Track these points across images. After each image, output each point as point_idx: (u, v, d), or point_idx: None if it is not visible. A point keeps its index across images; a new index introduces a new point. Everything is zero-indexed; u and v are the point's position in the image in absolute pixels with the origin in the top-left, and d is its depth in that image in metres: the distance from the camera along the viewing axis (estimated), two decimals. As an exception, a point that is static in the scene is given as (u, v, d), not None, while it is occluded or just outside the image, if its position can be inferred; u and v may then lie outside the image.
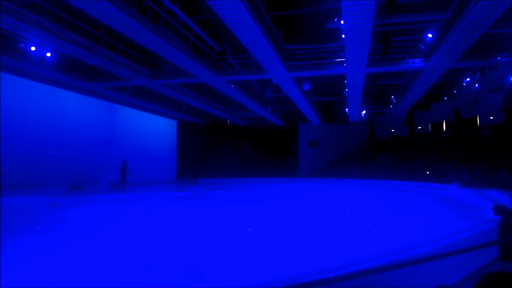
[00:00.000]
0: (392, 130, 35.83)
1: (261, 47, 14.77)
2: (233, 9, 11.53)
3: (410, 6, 14.53)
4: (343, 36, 14.20)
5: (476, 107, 29.19)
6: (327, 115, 33.41)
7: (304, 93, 23.01)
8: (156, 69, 19.49)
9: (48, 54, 15.98)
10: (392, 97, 28.72)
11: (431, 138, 32.27)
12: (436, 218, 11.00)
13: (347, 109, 28.75)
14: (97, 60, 16.41)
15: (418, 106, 29.84)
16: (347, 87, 21.84)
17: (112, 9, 11.42)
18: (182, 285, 4.58)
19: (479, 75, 21.56)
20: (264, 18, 13.81)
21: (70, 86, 19.77)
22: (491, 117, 28.36)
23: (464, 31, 13.01)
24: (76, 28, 14.35)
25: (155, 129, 30.08)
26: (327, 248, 6.68)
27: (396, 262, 3.44)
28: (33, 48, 15.32)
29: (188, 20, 14.98)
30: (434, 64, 16.90)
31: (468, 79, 23.02)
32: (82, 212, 11.96)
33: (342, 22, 13.16)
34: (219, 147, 36.38)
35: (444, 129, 32.90)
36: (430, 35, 15.82)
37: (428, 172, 24.96)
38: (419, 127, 34.41)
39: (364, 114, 31.34)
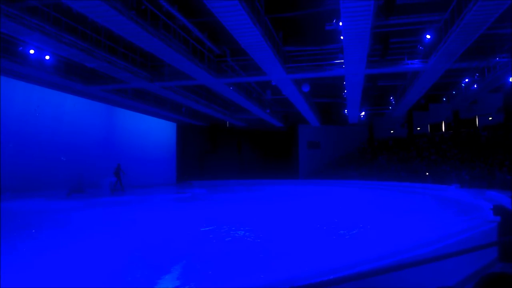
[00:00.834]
0: (392, 131, 35.88)
1: (260, 49, 14.79)
2: (232, 12, 11.54)
3: (409, 7, 14.51)
4: (342, 37, 14.20)
5: (475, 107, 29.21)
6: (327, 116, 33.47)
7: (304, 94, 23.02)
8: (156, 71, 19.51)
9: (47, 57, 15.98)
10: (391, 98, 28.75)
11: (430, 139, 32.31)
12: (436, 219, 11.02)
13: (346, 111, 28.77)
14: (96, 63, 16.40)
15: (417, 107, 29.86)
16: (346, 89, 21.85)
17: (112, 12, 11.45)
18: (184, 286, 4.60)
19: (478, 76, 21.57)
20: (263, 20, 13.83)
21: (70, 89, 19.77)
22: (490, 118, 28.41)
23: (463, 32, 13.04)
24: (75, 31, 14.38)
25: (155, 131, 30.08)
26: (327, 249, 6.69)
27: (395, 263, 3.46)
28: (32, 51, 15.33)
29: (187, 23, 15.00)
30: (433, 65, 16.92)
31: (467, 80, 23.01)
32: (84, 215, 11.98)
33: (341, 23, 13.15)
34: (219, 149, 36.32)
35: (444, 129, 32.95)
36: (428, 36, 15.83)
37: (427, 173, 24.97)
38: (419, 128, 34.44)
39: (363, 115, 31.37)
